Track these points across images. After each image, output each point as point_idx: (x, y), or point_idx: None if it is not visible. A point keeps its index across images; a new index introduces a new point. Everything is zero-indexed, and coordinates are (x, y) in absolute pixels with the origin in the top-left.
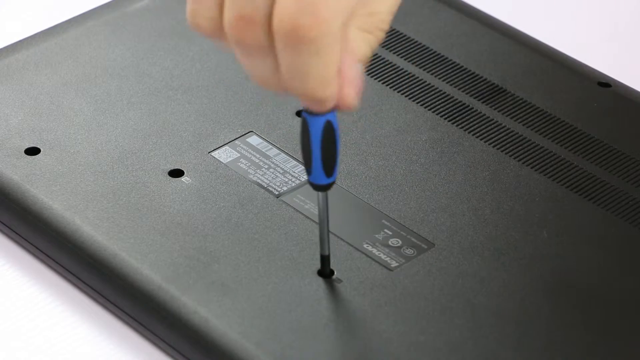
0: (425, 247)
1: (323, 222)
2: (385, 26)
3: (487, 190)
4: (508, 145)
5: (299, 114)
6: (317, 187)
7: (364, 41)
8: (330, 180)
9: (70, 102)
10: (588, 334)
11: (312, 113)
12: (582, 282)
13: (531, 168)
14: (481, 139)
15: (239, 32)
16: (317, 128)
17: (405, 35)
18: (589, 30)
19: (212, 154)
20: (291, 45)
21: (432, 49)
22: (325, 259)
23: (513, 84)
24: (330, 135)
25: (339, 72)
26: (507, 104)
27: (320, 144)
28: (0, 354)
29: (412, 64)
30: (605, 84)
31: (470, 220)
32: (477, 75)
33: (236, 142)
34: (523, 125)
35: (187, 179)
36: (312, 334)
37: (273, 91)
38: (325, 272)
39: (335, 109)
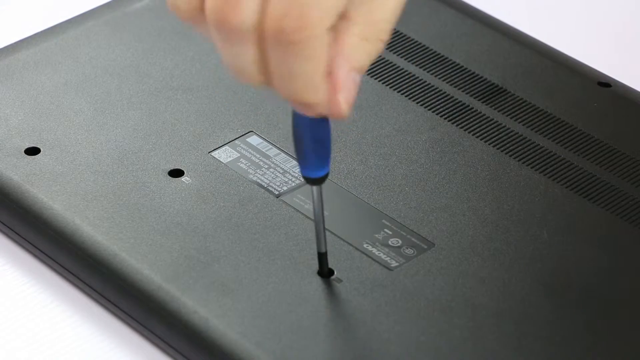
0: (425, 247)
1: (318, 218)
2: (386, 36)
3: (487, 190)
4: (508, 145)
5: None
6: (310, 181)
7: (362, 50)
8: (321, 174)
9: (70, 102)
10: (588, 334)
11: None
12: (582, 282)
13: (531, 168)
14: (481, 139)
15: (222, 15)
16: (306, 119)
17: (405, 35)
18: (589, 30)
19: (212, 154)
20: (278, 46)
21: (432, 49)
22: (322, 257)
23: (513, 84)
24: (320, 128)
25: (331, 78)
26: (507, 104)
27: (311, 136)
28: (0, 354)
29: (412, 64)
30: (605, 84)
31: (470, 220)
32: (477, 75)
33: (236, 142)
34: (523, 125)
35: (187, 179)
36: (312, 334)
37: (249, 83)
38: (324, 270)
39: (326, 116)
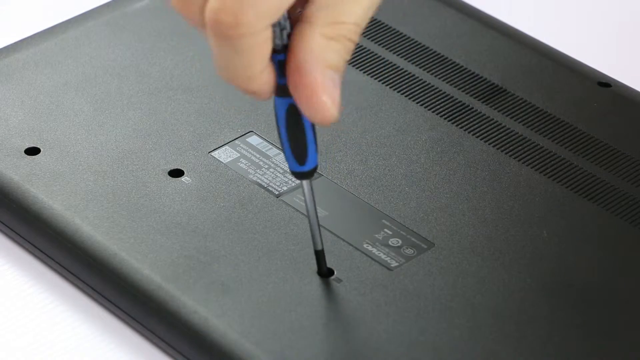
0: (425, 247)
1: (312, 214)
2: (354, 37)
3: (487, 190)
4: (508, 145)
5: None
6: (295, 175)
7: (330, 49)
8: (306, 168)
9: (70, 102)
10: (588, 334)
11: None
12: (582, 282)
13: (531, 168)
14: (481, 139)
15: (180, 10)
16: (281, 110)
17: (405, 35)
18: (589, 30)
19: (212, 154)
20: (216, 38)
21: (432, 49)
22: (319, 255)
23: (513, 84)
24: (296, 120)
25: (305, 80)
26: (507, 104)
27: (286, 128)
28: (0, 354)
29: (412, 64)
30: (605, 84)
31: (470, 220)
32: (477, 75)
33: (236, 142)
34: (523, 125)
35: (187, 179)
36: (312, 334)
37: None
38: (322, 269)
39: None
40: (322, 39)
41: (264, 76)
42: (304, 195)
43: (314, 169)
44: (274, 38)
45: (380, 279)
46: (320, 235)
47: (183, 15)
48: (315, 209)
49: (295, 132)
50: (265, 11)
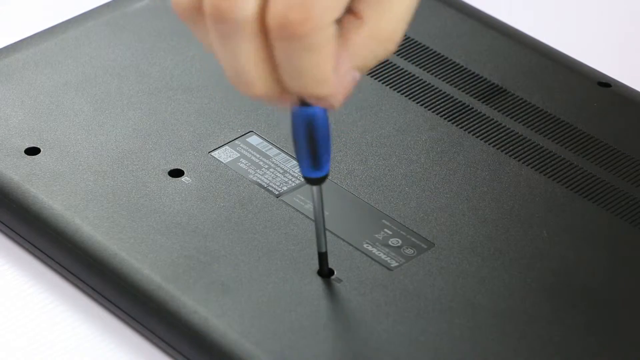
0: (425, 247)
1: (318, 218)
2: (397, 39)
3: (487, 190)
4: (508, 145)
5: None
6: (308, 181)
7: (368, 49)
8: (319, 175)
9: (70, 102)
10: (588, 334)
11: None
12: (582, 282)
13: (531, 168)
14: (481, 139)
15: (221, 8)
16: (301, 120)
17: (405, 35)
18: (589, 30)
19: (212, 154)
20: (283, 40)
21: (432, 49)
22: (322, 256)
23: (513, 84)
24: (315, 128)
25: (335, 70)
26: (507, 104)
27: (305, 136)
28: (0, 354)
29: (412, 64)
30: (605, 84)
31: (470, 220)
32: (477, 75)
33: (236, 142)
34: (523, 125)
35: (187, 179)
36: (312, 334)
37: (247, 92)
38: (324, 270)
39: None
40: (366, 38)
41: (333, 77)
42: (313, 200)
43: (327, 175)
44: None
45: (380, 279)
46: (325, 237)
47: (218, 26)
48: (323, 213)
49: (317, 141)
50: (330, 4)
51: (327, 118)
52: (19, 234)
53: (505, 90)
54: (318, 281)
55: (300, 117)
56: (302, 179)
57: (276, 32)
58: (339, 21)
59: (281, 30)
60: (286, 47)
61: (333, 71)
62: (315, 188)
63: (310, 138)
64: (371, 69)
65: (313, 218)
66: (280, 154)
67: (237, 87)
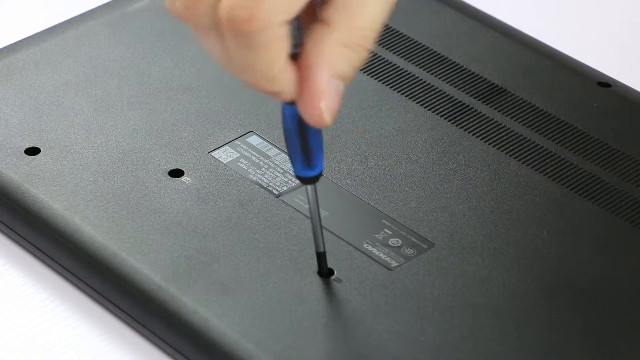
0: (425, 247)
1: (315, 218)
2: (369, 44)
3: (487, 190)
4: (508, 145)
5: None
6: (301, 180)
7: (343, 57)
8: (312, 174)
9: (70, 102)
10: (588, 334)
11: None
12: (582, 282)
13: (531, 168)
14: (481, 139)
15: (188, 6)
16: (290, 117)
17: (405, 35)
18: (589, 30)
19: (212, 154)
20: (232, 36)
21: (432, 49)
22: (321, 256)
23: (513, 84)
24: (306, 126)
25: (309, 85)
26: (507, 104)
27: (296, 133)
28: (0, 354)
29: (412, 64)
30: (605, 84)
31: (470, 220)
32: (477, 75)
33: (236, 142)
34: (523, 125)
35: (187, 179)
36: (312, 334)
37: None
38: (323, 270)
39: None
40: (337, 45)
41: (284, 75)
42: (308, 200)
43: (320, 174)
44: (291, 37)
45: (380, 279)
46: (323, 237)
47: (186, 19)
48: (319, 213)
49: (305, 139)
50: (279, 6)
51: None
52: (19, 234)
53: (505, 90)
54: (318, 281)
55: (290, 115)
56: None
57: (226, 27)
58: (309, 30)
59: (228, 25)
60: (234, 42)
61: (285, 68)
62: (309, 187)
63: (301, 136)
64: (370, 69)
65: (309, 217)
66: (280, 154)
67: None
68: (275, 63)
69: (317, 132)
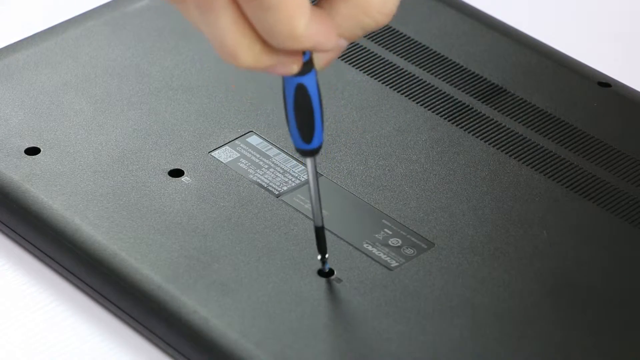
0: (425, 247)
1: (314, 191)
2: (389, 10)
3: (487, 190)
4: (508, 145)
5: None
6: (300, 152)
7: (355, 21)
8: (310, 147)
9: (70, 102)
10: (588, 334)
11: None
12: (582, 282)
13: (531, 168)
14: (481, 139)
15: None
16: (289, 89)
17: (405, 35)
18: (589, 30)
19: (212, 154)
20: (247, 3)
21: (432, 49)
22: (319, 231)
23: (513, 84)
24: (304, 98)
25: (318, 25)
26: (507, 104)
27: (294, 106)
28: (0, 354)
29: (412, 64)
30: (605, 84)
31: (470, 220)
32: (477, 75)
33: (236, 142)
34: (523, 125)
35: (187, 179)
36: (312, 334)
37: (233, 61)
38: (322, 247)
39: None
40: (354, 9)
41: (311, 30)
42: (308, 173)
43: (320, 147)
44: None
45: (380, 279)
46: (322, 212)
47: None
48: (318, 187)
49: (303, 111)
50: None
51: (318, 87)
52: (19, 234)
53: (505, 90)
54: (318, 281)
55: (290, 86)
56: (302, 179)
57: None
58: None
59: None
60: (251, 9)
61: (307, 22)
62: (309, 160)
63: (300, 107)
64: (370, 69)
65: (309, 191)
66: (280, 154)
67: (224, 59)
68: (295, 21)
69: (317, 103)
